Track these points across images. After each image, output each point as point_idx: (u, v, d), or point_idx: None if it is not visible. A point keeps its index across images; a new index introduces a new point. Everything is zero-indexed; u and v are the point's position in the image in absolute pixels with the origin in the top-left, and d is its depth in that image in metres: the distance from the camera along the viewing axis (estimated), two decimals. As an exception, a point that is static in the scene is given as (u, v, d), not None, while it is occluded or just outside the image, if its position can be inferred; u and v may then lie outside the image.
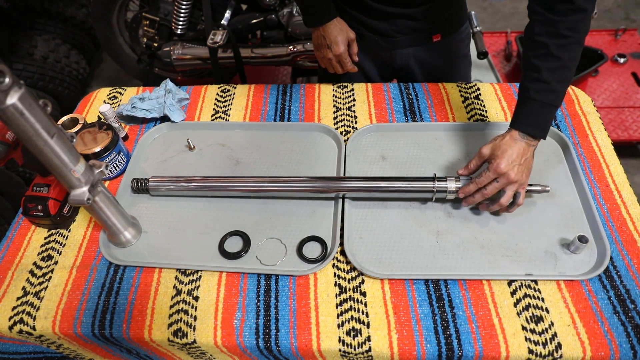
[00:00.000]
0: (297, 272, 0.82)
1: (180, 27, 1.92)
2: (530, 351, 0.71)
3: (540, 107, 0.81)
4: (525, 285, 0.78)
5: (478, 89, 1.14)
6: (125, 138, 1.10)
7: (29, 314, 0.81)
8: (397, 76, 1.25)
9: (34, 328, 0.80)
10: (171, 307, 0.80)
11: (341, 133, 1.06)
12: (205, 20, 1.76)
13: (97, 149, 0.94)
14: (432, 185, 0.86)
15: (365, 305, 0.78)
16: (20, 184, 1.76)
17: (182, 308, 0.80)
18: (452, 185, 0.86)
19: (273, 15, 1.87)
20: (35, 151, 0.64)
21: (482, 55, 1.55)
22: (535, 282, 0.79)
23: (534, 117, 0.81)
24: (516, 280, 0.79)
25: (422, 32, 1.11)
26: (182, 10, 1.88)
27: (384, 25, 1.10)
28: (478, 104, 1.10)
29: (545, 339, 0.72)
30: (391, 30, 1.10)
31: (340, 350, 0.74)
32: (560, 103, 0.82)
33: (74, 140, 0.70)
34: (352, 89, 1.16)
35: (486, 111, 1.08)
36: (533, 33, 0.81)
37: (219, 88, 1.20)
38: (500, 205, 0.83)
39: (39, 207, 0.88)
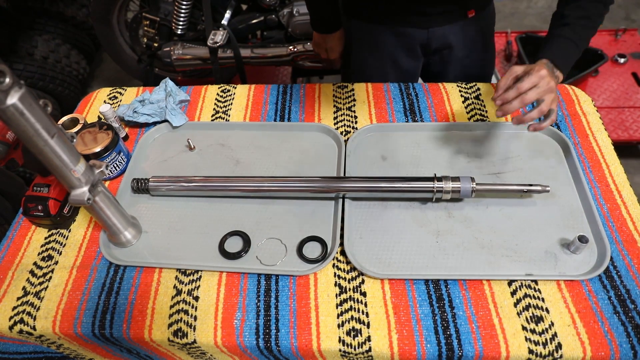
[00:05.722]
0: (297, 272, 0.82)
1: (180, 27, 1.92)
2: (531, 351, 0.71)
3: (564, 42, 0.89)
4: (525, 285, 0.78)
5: (478, 89, 1.13)
6: (126, 138, 1.10)
7: (29, 314, 0.81)
8: (433, 60, 1.23)
9: (34, 328, 0.80)
10: (171, 307, 0.80)
11: (341, 133, 1.06)
12: (206, 21, 1.76)
13: (98, 149, 0.94)
14: (432, 186, 0.86)
15: (366, 305, 0.78)
16: (21, 184, 1.76)
17: (182, 308, 0.80)
18: (452, 185, 0.86)
19: (273, 15, 1.87)
20: (35, 151, 0.64)
21: None
22: (536, 282, 0.79)
23: (557, 48, 0.89)
24: (516, 280, 0.79)
25: (456, 8, 1.10)
26: (182, 11, 1.88)
27: (418, 4, 1.09)
28: (478, 104, 1.10)
29: (546, 339, 0.72)
30: (425, 6, 1.08)
31: (340, 350, 0.74)
32: (581, 44, 0.90)
33: (74, 140, 0.70)
34: (352, 89, 1.16)
35: (486, 111, 1.08)
36: (560, 4, 0.94)
37: (219, 88, 1.20)
38: (541, 112, 0.82)
39: (39, 207, 0.88)
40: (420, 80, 1.28)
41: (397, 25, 1.13)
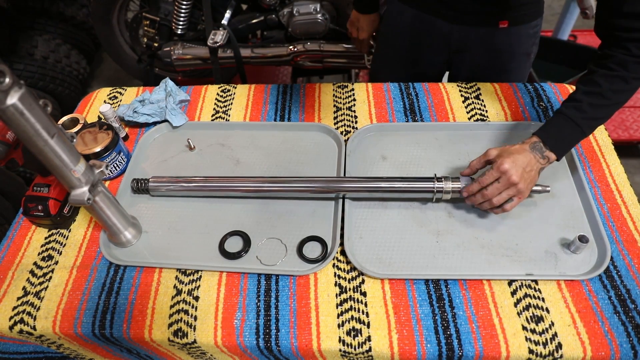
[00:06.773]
0: (298, 272, 0.82)
1: (180, 27, 1.92)
2: (531, 351, 0.71)
3: (563, 121, 0.82)
4: (525, 285, 0.78)
5: (478, 88, 1.13)
6: (126, 138, 1.10)
7: (29, 313, 0.81)
8: (451, 62, 1.20)
9: (34, 328, 0.80)
10: (171, 307, 0.80)
11: (341, 133, 1.06)
12: (206, 20, 1.76)
13: (98, 149, 0.94)
14: (432, 186, 0.86)
15: (366, 305, 0.78)
16: (21, 184, 1.76)
17: (183, 308, 0.80)
18: (452, 185, 0.86)
19: (273, 15, 1.86)
20: (35, 151, 0.64)
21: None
22: (536, 282, 0.79)
23: (553, 127, 0.83)
24: (516, 280, 0.79)
25: (489, 13, 1.05)
26: (183, 10, 1.88)
27: None
28: (478, 104, 1.10)
29: (546, 339, 0.72)
30: (456, 2, 1.05)
31: (340, 350, 0.74)
32: (587, 130, 0.82)
33: (74, 140, 0.70)
34: (352, 89, 1.16)
35: (486, 111, 1.08)
36: (590, 63, 0.83)
37: (219, 88, 1.20)
38: (491, 204, 0.82)
39: (40, 207, 0.88)
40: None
41: (423, 10, 1.10)
